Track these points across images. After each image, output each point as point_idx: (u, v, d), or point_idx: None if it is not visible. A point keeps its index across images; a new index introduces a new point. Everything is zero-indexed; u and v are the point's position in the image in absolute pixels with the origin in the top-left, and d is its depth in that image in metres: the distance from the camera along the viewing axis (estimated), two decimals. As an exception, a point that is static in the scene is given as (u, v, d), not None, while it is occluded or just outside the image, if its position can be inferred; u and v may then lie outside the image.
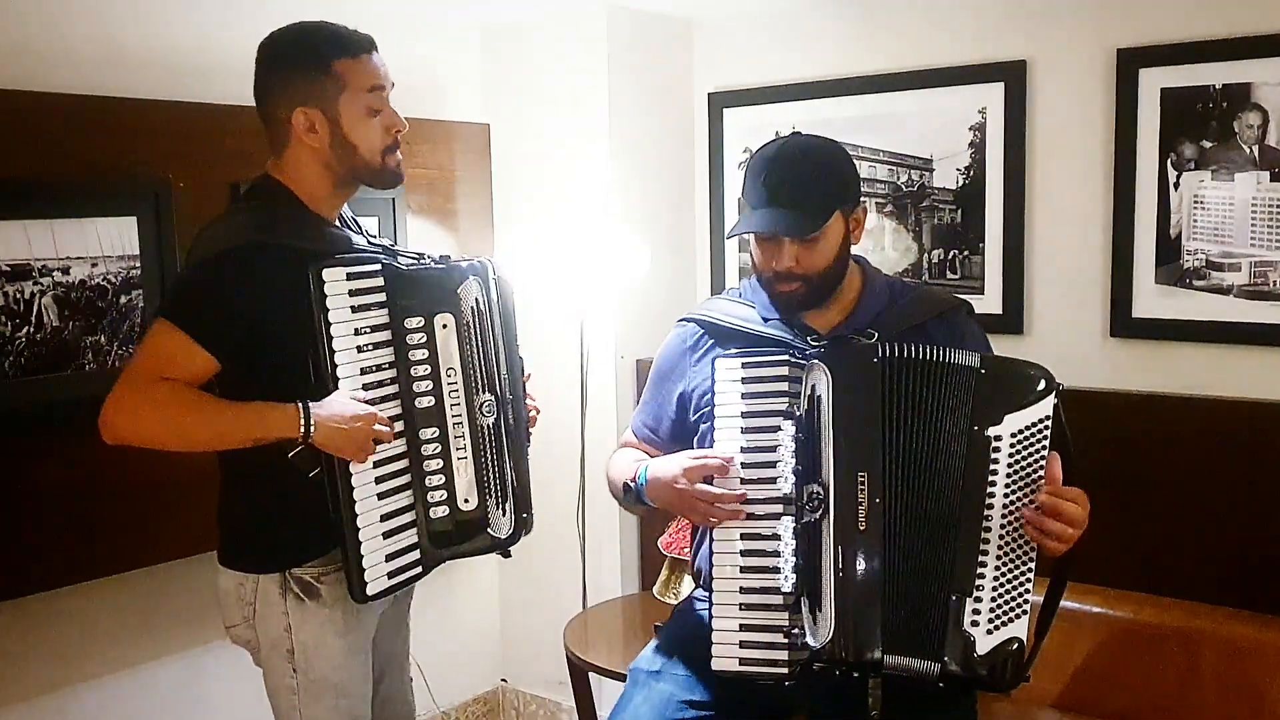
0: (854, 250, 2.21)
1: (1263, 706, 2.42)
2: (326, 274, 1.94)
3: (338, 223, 2.13)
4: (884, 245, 3.23)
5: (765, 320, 2.18)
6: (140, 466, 2.28)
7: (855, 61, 3.24)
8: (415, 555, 2.07)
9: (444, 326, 2.06)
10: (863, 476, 1.95)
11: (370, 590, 1.99)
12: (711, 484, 2.02)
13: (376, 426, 1.97)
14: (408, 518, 2.05)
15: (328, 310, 1.93)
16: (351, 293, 1.97)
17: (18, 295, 2.43)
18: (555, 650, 3.11)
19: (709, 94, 3.53)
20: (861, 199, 2.20)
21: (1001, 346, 2.99)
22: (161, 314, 1.97)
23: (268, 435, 1.93)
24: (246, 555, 2.08)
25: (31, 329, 2.46)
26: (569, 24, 3.38)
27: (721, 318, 2.23)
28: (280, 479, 1.97)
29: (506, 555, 2.19)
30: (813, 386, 1.99)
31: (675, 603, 2.78)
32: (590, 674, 2.95)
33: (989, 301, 3.07)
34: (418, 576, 2.10)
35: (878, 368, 1.97)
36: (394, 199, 3.15)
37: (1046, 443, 1.96)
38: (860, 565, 1.93)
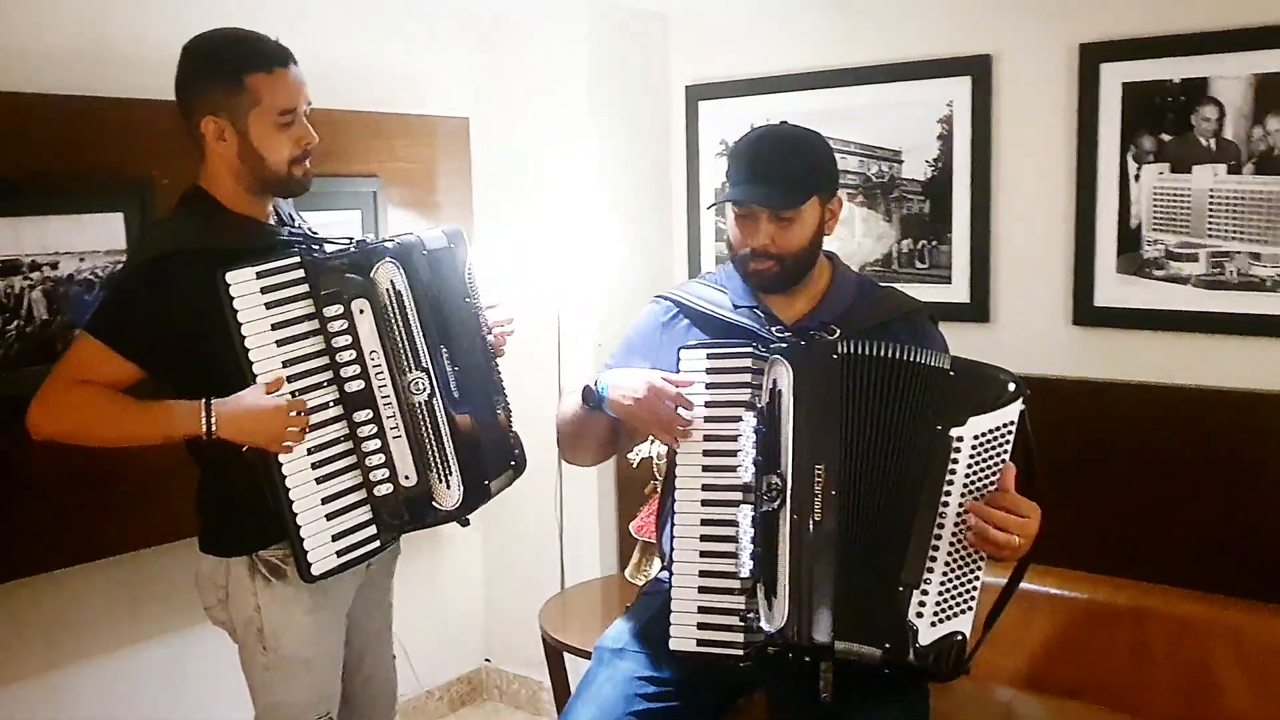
0: (826, 244, 2.29)
1: (1210, 681, 2.51)
2: (230, 277, 1.99)
3: (273, 219, 2.20)
4: (855, 234, 3.30)
5: (735, 307, 2.26)
6: (125, 455, 2.35)
7: (827, 55, 3.31)
8: (370, 532, 2.14)
9: (361, 312, 2.11)
10: (820, 469, 2.02)
11: (316, 570, 2.06)
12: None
13: (292, 415, 2.03)
14: (356, 497, 2.12)
15: (236, 312, 2.00)
16: (264, 290, 2.02)
17: (8, 289, 2.51)
18: (538, 631, 3.19)
19: (686, 87, 3.59)
20: (839, 192, 2.29)
21: (968, 334, 3.08)
22: (83, 326, 2.08)
23: (174, 432, 2.04)
24: (218, 540, 2.18)
25: (21, 322, 2.54)
26: (548, 18, 3.45)
27: (695, 300, 2.31)
28: (245, 467, 2.06)
29: (464, 524, 2.25)
30: (774, 380, 2.06)
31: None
32: (566, 654, 3.03)
33: (956, 290, 3.15)
34: (374, 552, 2.16)
35: (838, 364, 2.04)
36: (375, 192, 3.23)
37: (1009, 447, 2.02)
38: (815, 554, 2.00)
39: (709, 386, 2.11)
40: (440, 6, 3.47)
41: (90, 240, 2.63)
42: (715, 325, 2.25)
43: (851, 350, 2.04)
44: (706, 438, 2.11)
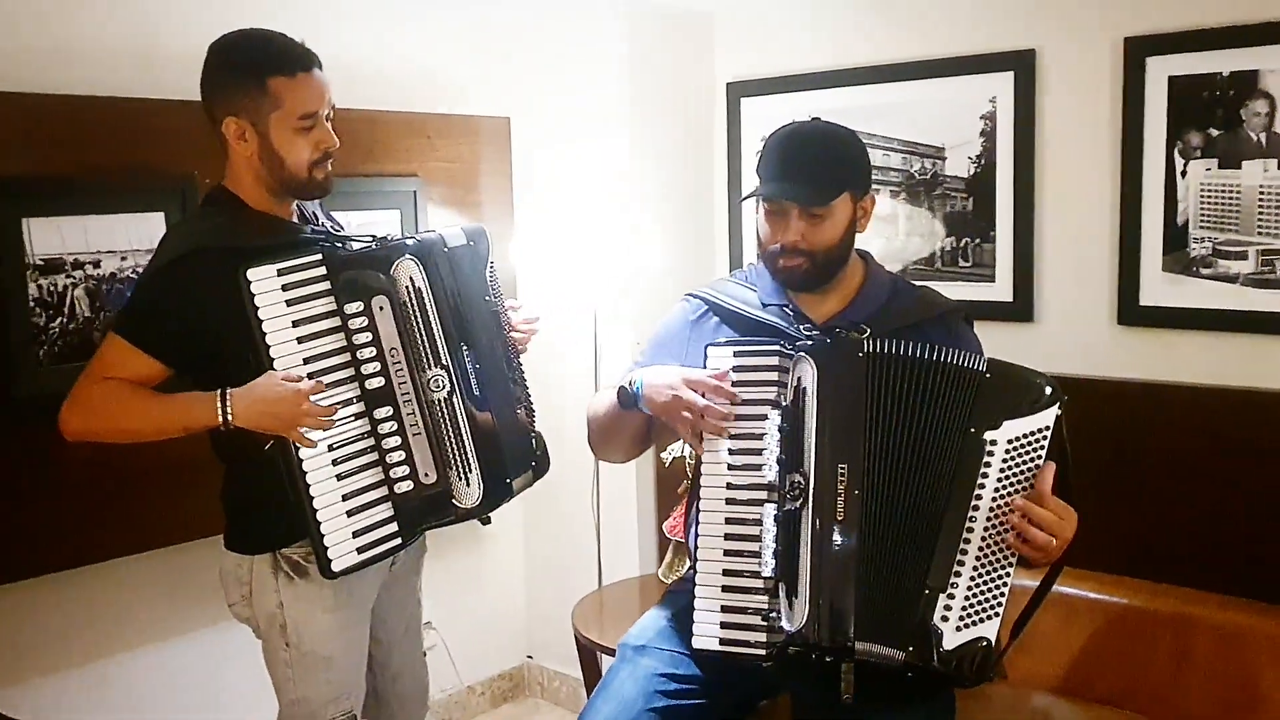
0: (864, 242, 2.27)
1: (1254, 692, 2.44)
2: (251, 274, 2.01)
3: (295, 218, 2.22)
4: (899, 233, 3.27)
5: (764, 305, 2.24)
6: (167, 450, 2.39)
7: (870, 51, 3.28)
8: (390, 529, 2.15)
9: (380, 308, 2.13)
10: (843, 468, 2.00)
11: (336, 566, 2.08)
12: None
13: (312, 402, 2.03)
14: (376, 494, 2.14)
15: (257, 308, 2.02)
16: (285, 287, 2.05)
17: (51, 288, 2.57)
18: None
19: (727, 84, 3.58)
20: (872, 189, 2.26)
21: (1011, 334, 3.04)
22: (110, 326, 2.12)
23: (194, 424, 2.06)
24: (242, 538, 2.21)
25: (64, 319, 2.60)
26: (587, 16, 3.45)
27: (724, 298, 2.29)
28: (268, 465, 2.08)
29: (485, 522, 2.26)
30: (799, 378, 2.05)
31: (678, 584, 2.86)
32: (599, 653, 3.04)
33: (999, 289, 3.10)
34: (396, 549, 2.18)
35: (863, 363, 2.02)
36: (415, 191, 3.26)
37: (1043, 452, 1.98)
38: (836, 554, 1.98)
39: (736, 384, 2.10)
40: (480, 6, 3.48)
41: (132, 239, 2.68)
42: (744, 323, 2.24)
43: (878, 349, 2.02)
44: (733, 436, 2.10)
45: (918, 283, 2.44)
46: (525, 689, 3.89)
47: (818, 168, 2.15)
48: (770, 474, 2.05)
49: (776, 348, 2.09)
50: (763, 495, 2.06)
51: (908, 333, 2.12)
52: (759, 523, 2.06)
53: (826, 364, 2.03)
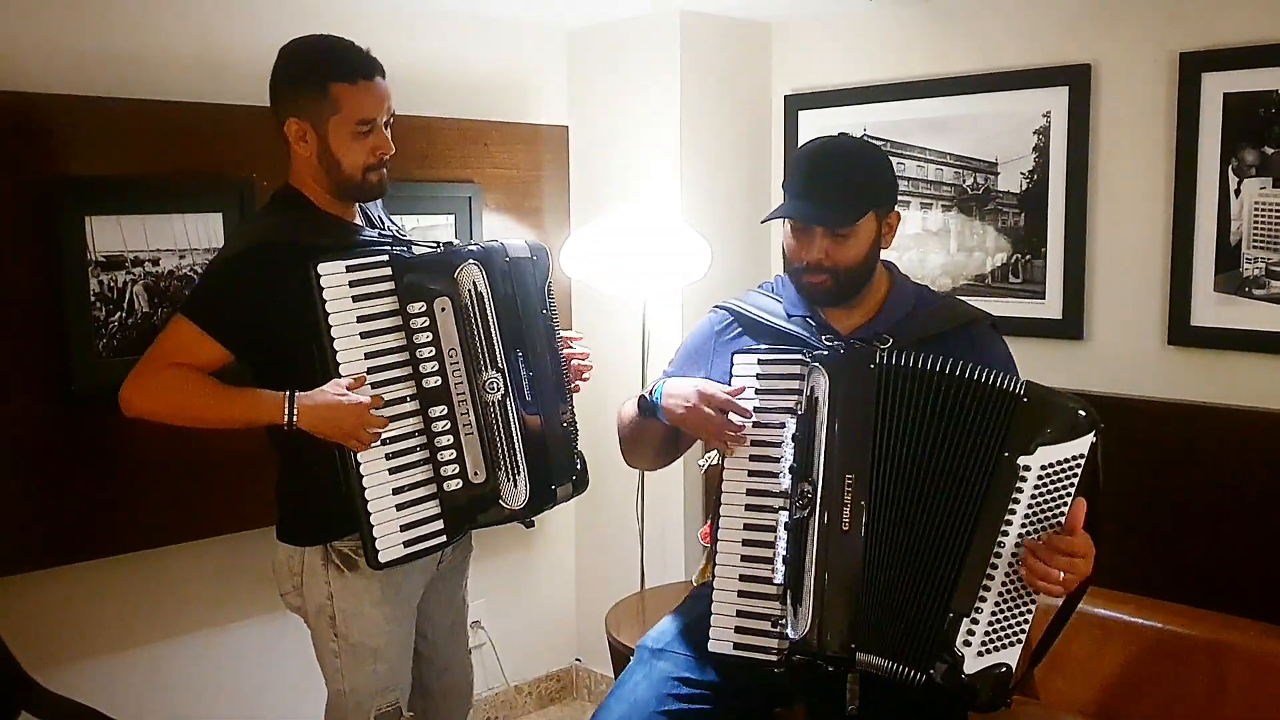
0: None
1: (1288, 724, 2.39)
2: (322, 268, 2.08)
3: (359, 220, 2.29)
4: (950, 248, 3.25)
5: (789, 316, 2.26)
6: (225, 442, 2.47)
7: (926, 64, 3.27)
8: (437, 526, 2.20)
9: (442, 309, 2.19)
10: (850, 479, 2.00)
11: (383, 558, 2.13)
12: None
13: (373, 414, 2.11)
14: (425, 490, 2.19)
15: (325, 301, 2.09)
16: (352, 283, 2.11)
17: (112, 284, 2.69)
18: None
19: (785, 96, 3.59)
20: (897, 205, 2.26)
21: (1060, 352, 3.01)
22: (179, 309, 2.19)
23: (258, 419, 2.13)
24: (295, 530, 2.27)
25: (124, 314, 2.71)
26: (645, 29, 3.49)
27: (749, 309, 2.31)
28: (321, 460, 2.14)
29: (529, 525, 2.30)
30: (813, 387, 2.06)
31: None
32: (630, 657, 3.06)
33: (1049, 306, 3.07)
34: (441, 545, 2.23)
35: (874, 374, 2.02)
36: (470, 197, 3.33)
37: (1076, 481, 1.94)
38: (839, 563, 1.98)
39: (759, 392, 2.13)
40: (539, 16, 3.54)
41: (191, 238, 2.79)
42: (768, 333, 2.26)
43: (890, 361, 2.02)
44: (754, 443, 2.12)
45: (960, 296, 2.42)
46: (573, 691, 3.92)
47: (842, 188, 2.15)
48: (784, 482, 2.07)
49: (799, 356, 2.11)
50: (778, 502, 2.08)
51: (931, 343, 2.12)
52: (773, 529, 2.08)
53: (838, 374, 2.04)
